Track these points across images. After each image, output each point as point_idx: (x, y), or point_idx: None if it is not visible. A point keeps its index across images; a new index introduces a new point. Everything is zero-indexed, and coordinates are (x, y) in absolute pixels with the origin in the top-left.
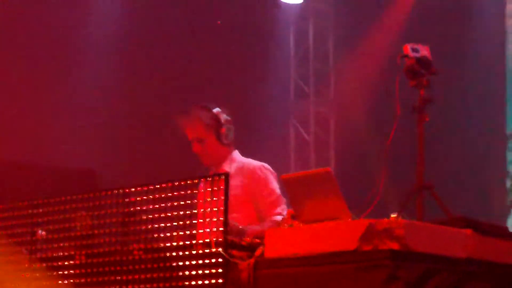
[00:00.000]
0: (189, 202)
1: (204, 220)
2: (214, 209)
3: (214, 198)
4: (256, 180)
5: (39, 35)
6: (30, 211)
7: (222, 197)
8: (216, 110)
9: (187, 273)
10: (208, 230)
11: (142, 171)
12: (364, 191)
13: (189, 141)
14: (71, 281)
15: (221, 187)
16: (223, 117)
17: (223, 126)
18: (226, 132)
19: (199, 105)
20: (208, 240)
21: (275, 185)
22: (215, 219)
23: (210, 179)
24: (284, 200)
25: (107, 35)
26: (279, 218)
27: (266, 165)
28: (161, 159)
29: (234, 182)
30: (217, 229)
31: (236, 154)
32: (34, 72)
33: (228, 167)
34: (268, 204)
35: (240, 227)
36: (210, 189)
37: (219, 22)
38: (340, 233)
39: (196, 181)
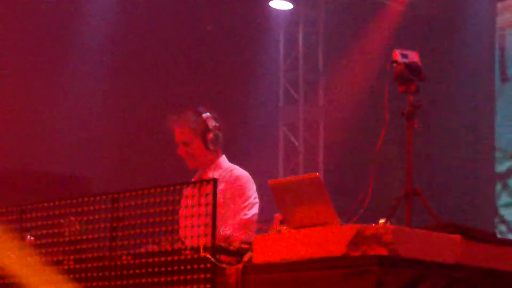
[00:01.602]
0: (178, 207)
1: (191, 226)
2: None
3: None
4: (234, 189)
5: (31, 41)
6: (18, 216)
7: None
8: (205, 115)
9: (175, 278)
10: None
11: (133, 177)
12: (353, 196)
13: (176, 143)
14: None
15: (209, 192)
16: (211, 122)
17: (209, 132)
18: (212, 138)
19: (190, 109)
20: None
21: (251, 193)
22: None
23: (199, 184)
24: (256, 205)
25: (99, 43)
26: (244, 217)
27: (246, 174)
28: (152, 164)
29: (223, 191)
30: (205, 235)
31: (222, 159)
32: (25, 77)
33: (211, 174)
34: (239, 209)
35: (226, 234)
36: (196, 195)
37: (209, 28)
38: (328, 238)
39: (185, 186)
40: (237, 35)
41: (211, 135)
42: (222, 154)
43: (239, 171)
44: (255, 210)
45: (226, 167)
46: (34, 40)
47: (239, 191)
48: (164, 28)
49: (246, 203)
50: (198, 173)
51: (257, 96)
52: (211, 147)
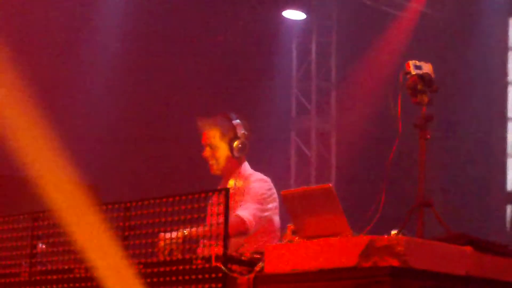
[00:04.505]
0: (191, 216)
1: (205, 234)
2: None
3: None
4: (248, 189)
5: (39, 48)
6: (30, 223)
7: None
8: (235, 121)
9: (186, 287)
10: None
11: (145, 186)
12: (365, 207)
13: (202, 145)
14: None
15: (221, 202)
16: (240, 130)
17: (237, 139)
18: (239, 145)
19: (222, 112)
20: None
21: (259, 191)
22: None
23: (211, 194)
24: (255, 206)
25: (110, 50)
26: (239, 212)
27: (265, 179)
28: (165, 173)
29: (238, 199)
30: (217, 244)
31: (245, 167)
32: (35, 84)
33: (233, 183)
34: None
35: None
36: (211, 205)
37: (220, 38)
38: (340, 249)
39: (197, 196)
40: (250, 45)
41: (238, 143)
42: (245, 161)
43: (256, 176)
44: (246, 212)
45: (246, 176)
46: (45, 49)
47: (248, 189)
48: (177, 38)
49: (245, 197)
50: (222, 181)
51: (269, 105)
52: (237, 154)
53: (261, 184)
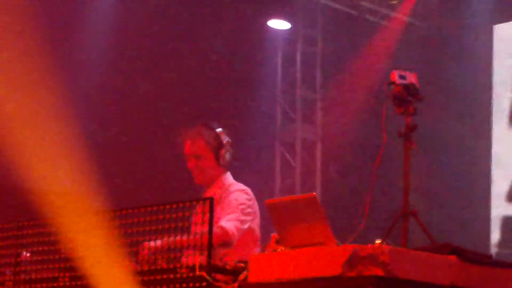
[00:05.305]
0: (175, 225)
1: (188, 244)
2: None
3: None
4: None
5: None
6: (16, 232)
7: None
8: (218, 130)
9: None
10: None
11: (128, 195)
12: (349, 217)
13: (185, 156)
14: None
15: (205, 211)
16: (224, 138)
17: (223, 148)
18: (224, 154)
19: (203, 122)
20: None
21: (239, 202)
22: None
23: (195, 203)
24: (237, 217)
25: (93, 55)
26: (223, 223)
27: (245, 190)
28: (155, 181)
29: (218, 208)
30: (201, 253)
31: (227, 176)
32: (26, 92)
33: (216, 191)
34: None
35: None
36: (195, 213)
37: (205, 47)
38: (324, 258)
39: (182, 205)
40: (234, 54)
41: (223, 151)
42: (227, 171)
43: (236, 187)
44: (232, 217)
45: (228, 185)
46: (32, 54)
47: (228, 200)
48: (161, 47)
49: (229, 209)
50: (204, 191)
51: (255, 115)
52: (223, 162)
53: (240, 195)
